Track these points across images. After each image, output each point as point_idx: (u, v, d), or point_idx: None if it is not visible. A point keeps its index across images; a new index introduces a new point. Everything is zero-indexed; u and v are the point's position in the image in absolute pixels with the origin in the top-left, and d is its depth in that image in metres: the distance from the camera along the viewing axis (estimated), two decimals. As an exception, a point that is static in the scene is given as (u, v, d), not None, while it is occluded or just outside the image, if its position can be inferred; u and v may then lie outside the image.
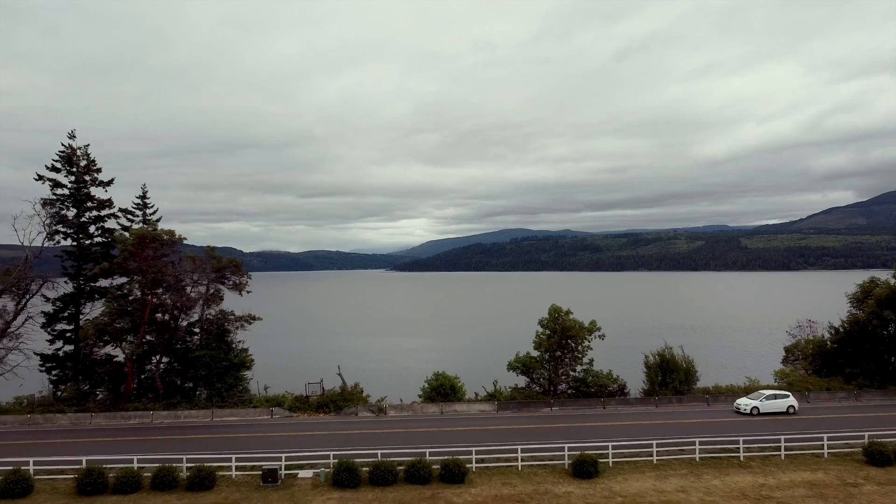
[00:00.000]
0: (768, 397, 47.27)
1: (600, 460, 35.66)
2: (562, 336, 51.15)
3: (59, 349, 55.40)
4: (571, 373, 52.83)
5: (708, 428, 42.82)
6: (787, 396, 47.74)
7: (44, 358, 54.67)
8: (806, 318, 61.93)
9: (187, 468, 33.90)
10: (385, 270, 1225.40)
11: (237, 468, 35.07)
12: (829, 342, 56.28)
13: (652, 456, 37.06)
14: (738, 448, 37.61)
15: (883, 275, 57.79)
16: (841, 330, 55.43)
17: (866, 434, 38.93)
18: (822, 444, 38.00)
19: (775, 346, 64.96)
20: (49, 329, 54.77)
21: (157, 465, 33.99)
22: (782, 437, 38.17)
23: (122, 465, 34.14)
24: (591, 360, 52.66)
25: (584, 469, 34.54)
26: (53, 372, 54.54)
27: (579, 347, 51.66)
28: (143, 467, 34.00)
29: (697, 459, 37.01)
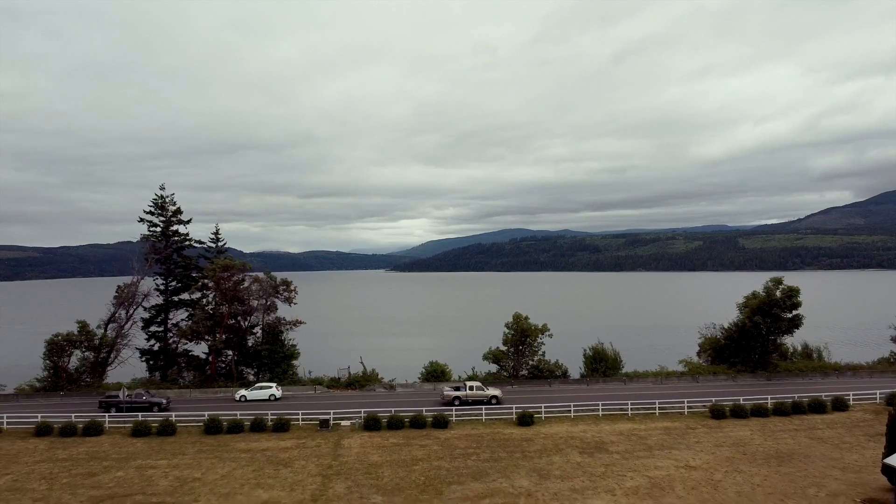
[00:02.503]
0: (256, 388, 62.64)
1: (535, 415, 55.15)
2: (521, 336, 70.72)
3: (153, 345, 75.12)
4: (530, 362, 72.34)
5: (612, 395, 62.35)
6: (271, 387, 62.78)
7: (142, 352, 74.38)
8: (710, 320, 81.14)
9: (271, 418, 53.45)
10: (385, 271, 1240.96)
11: (302, 419, 54.68)
12: (721, 339, 75.75)
13: (570, 413, 56.69)
14: (627, 408, 57.26)
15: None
16: (730, 329, 74.93)
17: (713, 399, 58.60)
18: (683, 404, 57.67)
19: (694, 341, 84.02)
20: (146, 330, 74.45)
21: (252, 416, 53.66)
22: (657, 402, 57.86)
23: (229, 417, 53.70)
24: (544, 353, 72.26)
25: (524, 420, 53.96)
26: (150, 362, 74.23)
27: (534, 344, 71.19)
28: (243, 418, 53.61)
29: (600, 415, 56.55)
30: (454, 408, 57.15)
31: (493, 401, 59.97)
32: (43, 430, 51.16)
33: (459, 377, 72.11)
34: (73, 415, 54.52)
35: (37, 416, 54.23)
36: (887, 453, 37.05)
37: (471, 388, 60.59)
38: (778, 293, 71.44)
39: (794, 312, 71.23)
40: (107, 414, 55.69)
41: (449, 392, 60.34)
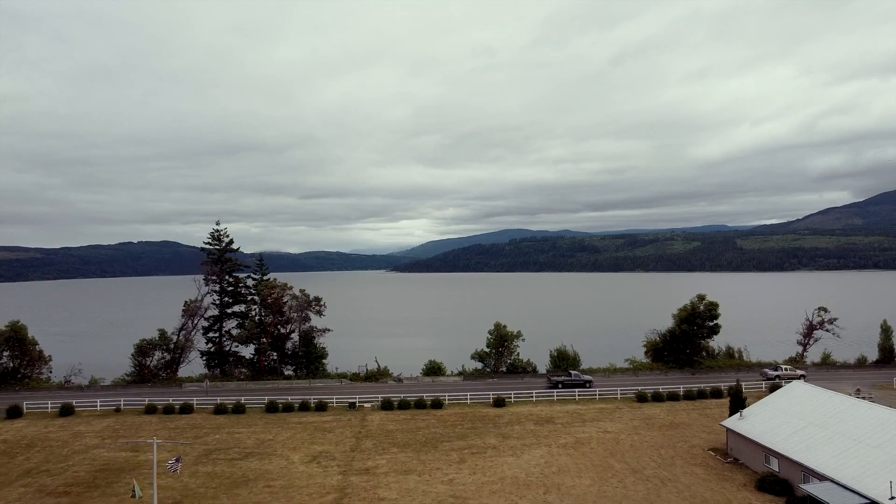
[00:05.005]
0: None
1: (507, 399, 74.93)
2: (501, 340, 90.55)
3: (210, 348, 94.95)
4: (508, 360, 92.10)
5: (568, 386, 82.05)
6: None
7: (201, 353, 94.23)
8: (663, 324, 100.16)
9: (313, 401, 73.24)
10: (385, 271, 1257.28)
11: (336, 402, 74.54)
12: (659, 342, 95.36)
13: (532, 398, 76.53)
14: (575, 393, 77.12)
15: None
16: (665, 335, 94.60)
17: (639, 385, 78.43)
18: (617, 392, 77.50)
19: (640, 343, 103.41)
20: (205, 336, 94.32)
21: (300, 399, 73.51)
22: (597, 390, 77.72)
23: (283, 401, 73.51)
24: (518, 354, 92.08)
25: (498, 403, 73.66)
26: (207, 361, 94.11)
27: (511, 346, 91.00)
28: (294, 400, 73.44)
29: (555, 399, 76.36)
30: (447, 394, 77.04)
31: (803, 378, 79.01)
32: (150, 409, 71.06)
33: (452, 372, 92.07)
34: (170, 398, 74.60)
35: (144, 400, 74.26)
36: (729, 418, 56.72)
37: (785, 369, 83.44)
38: (701, 307, 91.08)
39: (714, 322, 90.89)
40: (555, 389, 79.30)
41: (770, 372, 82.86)
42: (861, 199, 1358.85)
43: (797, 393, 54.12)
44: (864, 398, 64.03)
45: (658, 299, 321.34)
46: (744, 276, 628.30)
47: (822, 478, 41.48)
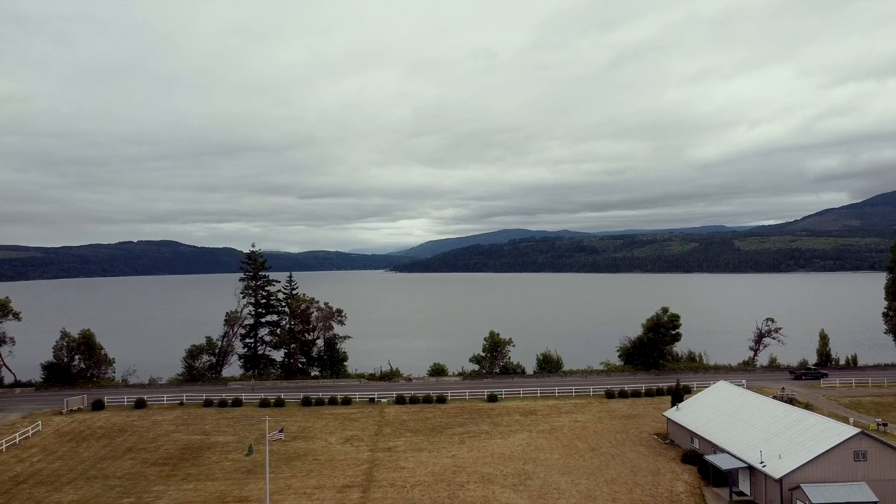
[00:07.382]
0: None
1: (499, 395, 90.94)
2: (494, 346, 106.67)
3: (246, 352, 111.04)
4: (500, 363, 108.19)
5: (549, 385, 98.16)
6: None
7: (239, 356, 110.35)
8: (626, 334, 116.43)
9: (340, 397, 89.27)
10: (385, 271, 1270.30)
11: (358, 398, 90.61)
12: (630, 347, 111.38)
13: (520, 394, 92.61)
14: (555, 391, 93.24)
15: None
16: (635, 341, 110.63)
17: (609, 385, 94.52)
18: (590, 389, 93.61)
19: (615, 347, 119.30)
20: (242, 342, 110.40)
21: (328, 395, 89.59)
22: (573, 387, 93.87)
23: (316, 395, 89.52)
24: (510, 357, 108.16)
25: (492, 398, 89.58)
26: (243, 363, 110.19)
27: (503, 350, 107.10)
28: (324, 396, 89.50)
29: (538, 395, 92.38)
30: (449, 391, 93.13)
31: None
32: (208, 403, 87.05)
33: (453, 373, 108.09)
34: (222, 394, 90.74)
35: (201, 396, 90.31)
36: (669, 409, 72.65)
37: None
38: (665, 318, 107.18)
39: (676, 331, 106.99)
40: (800, 380, 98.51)
41: None
42: (858, 201, 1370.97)
43: (720, 391, 70.14)
44: (782, 396, 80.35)
45: (645, 302, 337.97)
46: (737, 278, 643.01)
47: (722, 451, 57.47)
